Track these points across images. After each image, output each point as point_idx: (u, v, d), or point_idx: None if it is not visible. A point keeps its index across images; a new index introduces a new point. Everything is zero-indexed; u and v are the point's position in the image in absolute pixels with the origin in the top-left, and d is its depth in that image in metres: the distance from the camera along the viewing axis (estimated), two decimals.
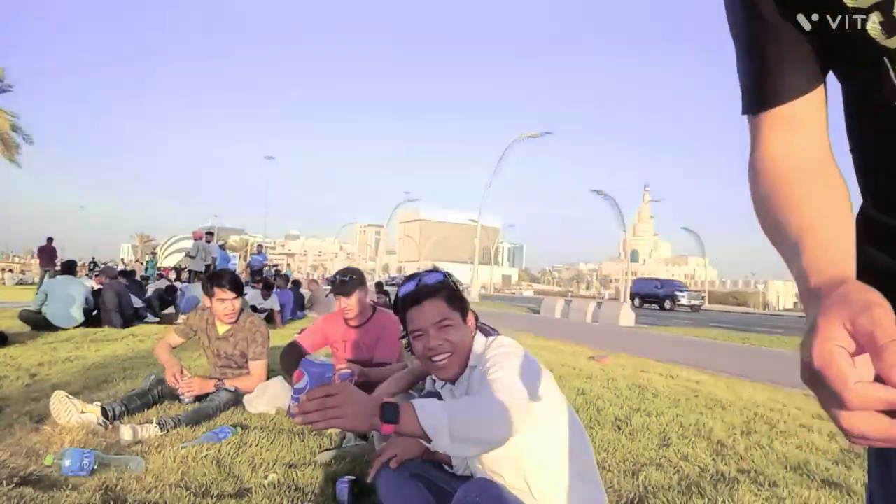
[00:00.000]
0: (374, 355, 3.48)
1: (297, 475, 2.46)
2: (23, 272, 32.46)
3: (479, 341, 1.69)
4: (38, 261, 19.26)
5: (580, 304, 19.85)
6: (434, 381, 1.81)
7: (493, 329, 1.78)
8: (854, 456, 3.17)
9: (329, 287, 4.42)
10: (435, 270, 1.76)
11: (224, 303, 3.56)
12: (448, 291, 1.68)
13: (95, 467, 2.32)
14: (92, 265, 28.55)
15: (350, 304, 3.48)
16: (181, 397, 3.33)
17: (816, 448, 3.29)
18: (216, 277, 3.61)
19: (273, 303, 9.56)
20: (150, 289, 11.49)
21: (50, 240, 18.26)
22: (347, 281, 3.48)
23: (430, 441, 1.25)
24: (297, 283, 13.18)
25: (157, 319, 9.31)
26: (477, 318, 1.75)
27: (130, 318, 8.35)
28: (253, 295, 9.61)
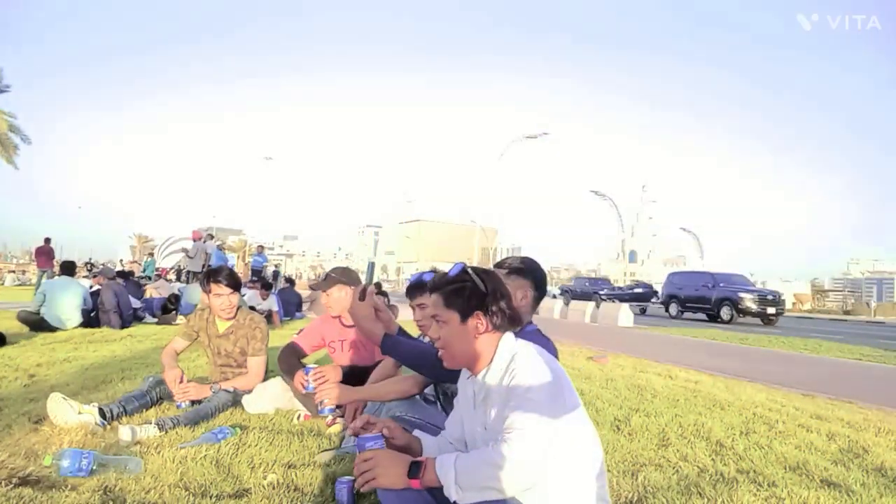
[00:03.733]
0: (374, 356, 3.47)
1: (296, 475, 2.46)
2: (23, 272, 32.38)
3: (507, 344, 1.67)
4: (36, 261, 19.23)
5: (579, 305, 19.85)
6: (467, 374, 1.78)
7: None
8: (853, 456, 3.17)
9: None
10: (459, 264, 1.76)
11: (220, 298, 3.56)
12: (451, 289, 1.67)
13: (94, 468, 2.32)
14: (89, 266, 28.48)
15: (328, 300, 3.49)
16: (177, 403, 3.32)
17: (815, 448, 3.29)
18: (213, 273, 3.62)
19: (271, 303, 9.56)
20: (150, 289, 11.46)
21: (48, 240, 18.21)
22: (326, 277, 3.52)
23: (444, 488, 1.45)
24: (291, 282, 13.14)
25: (156, 320, 9.34)
26: (503, 324, 1.68)
27: (129, 318, 8.34)
28: (251, 296, 9.59)
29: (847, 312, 38.24)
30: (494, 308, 1.66)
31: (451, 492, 1.44)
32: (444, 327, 1.67)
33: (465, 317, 1.65)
